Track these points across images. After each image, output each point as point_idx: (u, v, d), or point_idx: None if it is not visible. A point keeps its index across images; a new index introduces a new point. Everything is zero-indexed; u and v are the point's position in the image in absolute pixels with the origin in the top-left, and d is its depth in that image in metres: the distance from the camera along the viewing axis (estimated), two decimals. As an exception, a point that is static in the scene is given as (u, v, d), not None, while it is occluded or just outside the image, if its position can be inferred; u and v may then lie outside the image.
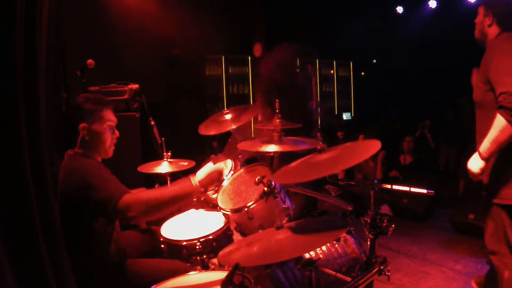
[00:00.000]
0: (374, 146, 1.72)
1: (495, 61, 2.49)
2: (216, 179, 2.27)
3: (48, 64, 2.61)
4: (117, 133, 2.35)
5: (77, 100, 2.23)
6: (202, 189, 2.19)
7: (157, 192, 2.11)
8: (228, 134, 2.91)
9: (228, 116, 2.90)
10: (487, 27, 2.72)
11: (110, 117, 2.29)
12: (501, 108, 2.38)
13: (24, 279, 1.32)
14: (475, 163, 2.54)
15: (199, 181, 2.17)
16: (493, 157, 2.53)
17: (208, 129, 2.87)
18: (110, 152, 2.34)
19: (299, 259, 1.67)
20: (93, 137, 2.21)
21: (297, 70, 4.48)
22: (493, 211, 2.66)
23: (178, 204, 2.15)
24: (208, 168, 2.27)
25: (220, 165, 2.31)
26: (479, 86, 2.64)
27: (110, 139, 2.30)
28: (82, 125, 2.18)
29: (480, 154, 2.52)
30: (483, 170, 2.52)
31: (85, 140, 2.19)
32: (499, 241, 2.65)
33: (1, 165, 1.34)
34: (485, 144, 2.47)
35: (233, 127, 2.82)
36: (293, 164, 1.93)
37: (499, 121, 2.39)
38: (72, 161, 2.17)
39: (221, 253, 1.73)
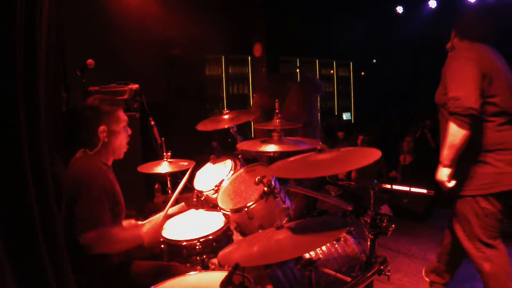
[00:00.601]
0: (374, 153, 1.72)
1: (450, 67, 2.60)
2: (159, 232, 2.31)
3: (48, 64, 2.61)
4: (129, 130, 2.36)
5: (91, 102, 2.22)
6: (146, 243, 2.20)
7: (116, 234, 2.09)
8: (228, 134, 2.92)
9: (226, 116, 2.91)
10: (454, 41, 2.86)
11: (124, 117, 2.31)
12: (451, 114, 2.48)
13: (24, 279, 1.32)
14: (441, 173, 2.61)
15: (144, 234, 2.20)
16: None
17: (206, 127, 2.88)
18: (123, 154, 2.36)
19: (299, 259, 1.67)
20: (112, 138, 2.22)
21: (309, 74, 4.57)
22: (456, 209, 2.75)
23: (126, 248, 2.20)
24: (154, 220, 2.34)
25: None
26: (439, 89, 2.73)
27: (125, 140, 2.32)
28: (102, 127, 2.17)
29: (442, 163, 2.59)
30: (451, 177, 2.59)
31: (104, 142, 2.20)
32: (471, 238, 2.70)
33: (1, 165, 1.34)
34: (444, 152, 2.56)
35: (232, 125, 2.83)
36: (292, 159, 1.92)
37: (451, 126, 2.49)
38: (81, 163, 2.18)
39: (221, 253, 1.73)
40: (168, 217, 2.43)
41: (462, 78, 2.51)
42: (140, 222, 2.45)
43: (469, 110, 2.41)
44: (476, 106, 2.42)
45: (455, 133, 2.49)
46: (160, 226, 2.31)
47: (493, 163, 2.55)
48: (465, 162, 2.59)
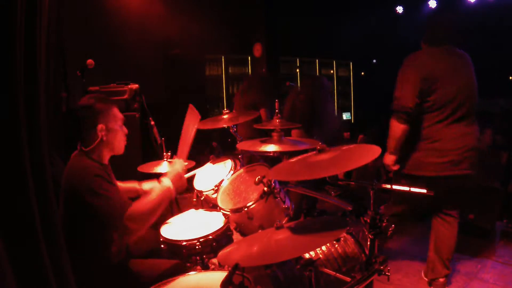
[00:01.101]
0: (373, 151, 1.72)
1: (399, 72, 3.08)
2: (184, 177, 2.33)
3: (48, 64, 2.61)
4: (125, 129, 2.36)
5: (85, 102, 2.22)
6: (175, 192, 2.24)
7: (146, 202, 2.11)
8: (228, 134, 2.92)
9: (226, 116, 2.91)
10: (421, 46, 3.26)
11: (120, 115, 2.31)
12: (392, 112, 3.00)
13: (24, 279, 1.32)
14: (387, 158, 3.15)
15: (172, 184, 2.23)
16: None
17: (205, 125, 2.88)
18: (123, 149, 2.36)
19: (299, 259, 1.67)
20: (110, 136, 2.22)
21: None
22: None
23: (162, 209, 2.17)
24: (177, 167, 2.34)
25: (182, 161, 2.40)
26: None
27: (123, 136, 2.32)
28: (100, 126, 2.17)
29: (388, 151, 3.12)
30: (395, 162, 3.13)
31: (102, 141, 2.19)
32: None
33: (1, 165, 1.34)
34: (388, 142, 3.09)
35: (231, 124, 2.83)
36: (291, 160, 1.93)
37: (392, 121, 3.02)
38: (77, 161, 2.17)
39: (221, 253, 1.73)
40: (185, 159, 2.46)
41: (402, 81, 2.99)
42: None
43: (405, 108, 2.90)
44: (411, 105, 2.89)
45: (395, 127, 3.00)
46: (181, 171, 2.32)
47: (421, 151, 3.03)
48: (408, 148, 3.08)
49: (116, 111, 2.28)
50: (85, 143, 2.21)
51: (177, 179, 2.26)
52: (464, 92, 2.93)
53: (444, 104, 2.91)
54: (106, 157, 2.29)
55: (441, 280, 3.20)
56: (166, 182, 2.21)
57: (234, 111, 3.02)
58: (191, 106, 2.66)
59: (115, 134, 2.25)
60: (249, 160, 3.06)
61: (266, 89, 5.17)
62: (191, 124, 2.55)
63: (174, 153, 3.01)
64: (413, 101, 2.89)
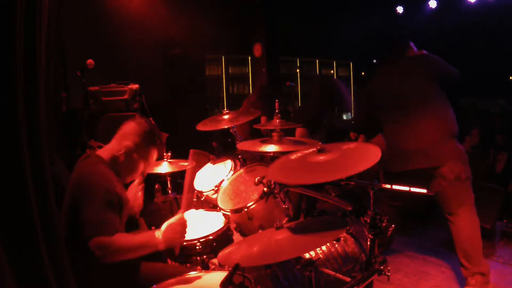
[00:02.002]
0: (374, 154, 1.71)
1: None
2: (178, 231, 2.09)
3: (48, 64, 2.61)
4: (145, 174, 2.33)
5: (141, 120, 2.21)
6: (164, 244, 2.04)
7: (127, 240, 2.00)
8: (229, 134, 2.92)
9: (226, 117, 2.91)
10: None
11: (151, 160, 2.27)
12: None
13: (24, 279, 1.32)
14: None
15: (162, 234, 2.04)
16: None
17: (205, 126, 2.88)
18: (127, 181, 2.32)
19: (299, 259, 1.67)
20: (127, 161, 2.18)
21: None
22: None
23: (141, 254, 2.03)
24: (171, 220, 2.13)
25: (182, 216, 2.17)
26: None
27: (136, 175, 2.29)
28: (127, 143, 2.15)
29: None
30: None
31: (120, 160, 2.16)
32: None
33: (1, 165, 1.34)
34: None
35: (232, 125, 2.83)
36: (291, 157, 1.92)
37: None
38: (91, 165, 2.14)
39: (221, 253, 1.73)
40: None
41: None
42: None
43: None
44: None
45: None
46: (179, 225, 2.11)
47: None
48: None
49: (153, 155, 2.25)
50: (109, 149, 2.19)
51: (169, 232, 2.06)
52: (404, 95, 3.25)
53: (386, 116, 3.42)
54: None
55: (470, 280, 3.11)
56: (157, 233, 2.05)
57: (235, 111, 3.01)
58: (192, 152, 2.65)
59: (132, 165, 2.21)
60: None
61: (271, 101, 5.26)
62: (193, 170, 2.50)
63: (174, 154, 3.02)
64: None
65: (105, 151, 2.20)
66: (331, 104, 4.48)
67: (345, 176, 1.71)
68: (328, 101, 4.38)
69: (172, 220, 2.12)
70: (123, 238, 1.98)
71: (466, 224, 3.13)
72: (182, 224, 2.11)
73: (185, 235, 2.12)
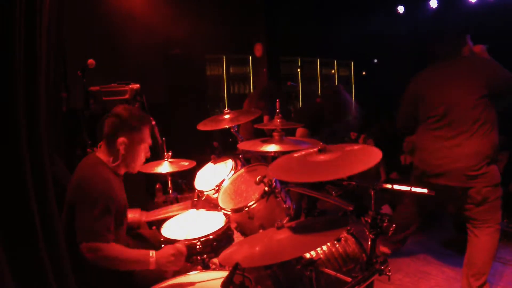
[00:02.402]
0: (375, 155, 1.71)
1: None
2: (173, 261, 2.05)
3: (48, 64, 2.61)
4: (149, 153, 2.34)
5: (119, 110, 2.22)
6: (155, 266, 2.02)
7: (120, 252, 2.00)
8: (229, 134, 2.92)
9: (227, 116, 2.91)
10: None
11: (148, 139, 2.30)
12: None
13: (24, 279, 1.32)
14: None
15: (156, 256, 2.03)
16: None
17: (206, 126, 2.88)
18: (137, 170, 2.34)
19: (300, 259, 1.67)
20: (129, 153, 2.21)
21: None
22: None
23: (133, 268, 2.06)
24: (168, 247, 2.12)
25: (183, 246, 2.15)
26: None
27: (143, 158, 2.31)
28: (121, 139, 2.17)
29: None
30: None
31: (122, 155, 2.19)
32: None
33: (1, 165, 1.34)
34: None
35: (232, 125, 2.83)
36: (291, 156, 1.92)
37: None
38: (90, 167, 2.16)
39: (222, 253, 1.73)
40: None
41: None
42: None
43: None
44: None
45: None
46: (176, 255, 2.07)
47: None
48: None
49: (146, 133, 2.27)
50: (105, 150, 2.21)
51: (163, 258, 2.04)
52: (449, 103, 3.01)
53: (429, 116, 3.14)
54: (122, 170, 2.29)
55: None
56: (152, 253, 2.03)
57: (235, 111, 3.01)
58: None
59: (134, 154, 2.24)
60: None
61: (274, 101, 5.33)
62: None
63: (174, 153, 3.02)
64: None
65: (103, 152, 2.22)
66: (341, 116, 4.49)
67: (345, 176, 1.71)
68: (339, 115, 4.41)
69: (171, 247, 2.10)
70: (117, 249, 2.00)
71: (486, 240, 3.04)
72: (180, 254, 2.09)
73: (180, 265, 2.09)
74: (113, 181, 2.16)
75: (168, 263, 2.04)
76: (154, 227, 2.59)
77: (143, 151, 2.28)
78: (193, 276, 1.89)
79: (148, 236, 2.60)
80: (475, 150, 2.93)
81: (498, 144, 3.00)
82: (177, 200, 3.32)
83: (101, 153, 2.23)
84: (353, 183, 2.13)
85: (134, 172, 2.34)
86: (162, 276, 2.01)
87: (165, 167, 2.91)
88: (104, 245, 1.95)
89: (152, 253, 2.03)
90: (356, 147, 1.91)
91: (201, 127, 2.89)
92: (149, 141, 2.30)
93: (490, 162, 2.95)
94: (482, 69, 3.01)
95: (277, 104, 2.58)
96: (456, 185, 3.00)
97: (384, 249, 3.75)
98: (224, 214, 2.41)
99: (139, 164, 2.32)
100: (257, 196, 2.24)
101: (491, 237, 3.03)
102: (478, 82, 2.95)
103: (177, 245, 2.13)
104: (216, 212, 2.65)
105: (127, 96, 3.93)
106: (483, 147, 2.93)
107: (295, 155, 1.92)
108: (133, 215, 2.58)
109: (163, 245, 2.38)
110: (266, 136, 2.92)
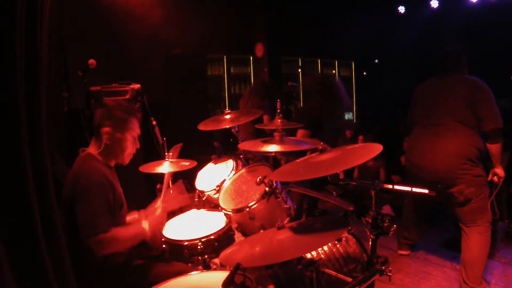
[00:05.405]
0: (375, 149, 1.72)
1: None
2: (160, 222, 2.30)
3: (49, 64, 2.61)
4: (138, 144, 2.35)
5: (105, 103, 2.25)
6: (150, 233, 2.16)
7: (121, 233, 2.06)
8: (230, 134, 2.92)
9: (228, 116, 2.91)
10: None
11: (135, 128, 2.30)
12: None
13: (24, 279, 1.32)
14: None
15: (148, 225, 2.17)
16: None
17: (207, 126, 2.88)
18: (127, 161, 2.35)
19: (301, 259, 1.67)
20: (114, 143, 2.22)
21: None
22: None
23: (133, 244, 2.14)
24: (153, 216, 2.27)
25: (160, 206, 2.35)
26: None
27: (130, 149, 2.31)
28: (106, 129, 2.18)
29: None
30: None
31: (106, 145, 2.20)
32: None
33: (2, 165, 1.34)
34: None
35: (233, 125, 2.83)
36: (294, 162, 1.93)
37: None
38: (82, 163, 2.18)
39: (223, 253, 1.73)
40: (166, 209, 2.39)
41: None
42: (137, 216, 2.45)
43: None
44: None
45: None
46: (161, 218, 2.29)
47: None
48: None
49: (133, 123, 2.28)
50: (93, 143, 2.23)
51: (153, 226, 2.19)
52: (436, 109, 3.32)
53: (419, 119, 3.47)
54: (112, 162, 2.29)
55: None
56: (144, 223, 2.16)
57: (236, 111, 3.01)
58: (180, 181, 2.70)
59: (120, 143, 2.24)
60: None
61: (270, 96, 5.49)
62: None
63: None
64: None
65: (92, 147, 2.25)
66: (331, 104, 4.45)
67: (348, 167, 1.74)
68: (329, 101, 4.38)
69: (158, 212, 2.29)
70: (118, 232, 2.05)
71: (476, 239, 3.15)
72: (162, 216, 2.31)
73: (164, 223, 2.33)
74: (106, 172, 2.19)
75: (158, 227, 2.27)
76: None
77: (130, 142, 2.28)
78: (194, 276, 1.89)
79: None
80: (455, 151, 3.13)
81: (482, 147, 3.16)
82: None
83: (91, 147, 2.25)
84: (354, 183, 2.12)
85: (124, 163, 2.34)
86: (163, 275, 2.01)
87: (165, 167, 2.91)
88: (108, 234, 1.98)
89: (144, 224, 2.15)
90: (357, 146, 1.92)
91: (202, 127, 2.89)
92: (136, 131, 2.31)
93: (474, 164, 3.12)
94: (473, 87, 3.22)
95: (278, 104, 2.58)
96: (439, 182, 3.19)
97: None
98: (225, 214, 2.41)
99: (127, 155, 2.32)
100: (258, 197, 2.24)
101: (481, 236, 3.14)
102: (465, 102, 3.19)
103: (156, 207, 2.33)
104: (217, 212, 2.65)
105: (128, 96, 3.92)
106: (463, 149, 3.12)
107: (298, 161, 1.94)
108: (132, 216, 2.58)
109: (164, 246, 2.38)
110: (267, 135, 2.92)
